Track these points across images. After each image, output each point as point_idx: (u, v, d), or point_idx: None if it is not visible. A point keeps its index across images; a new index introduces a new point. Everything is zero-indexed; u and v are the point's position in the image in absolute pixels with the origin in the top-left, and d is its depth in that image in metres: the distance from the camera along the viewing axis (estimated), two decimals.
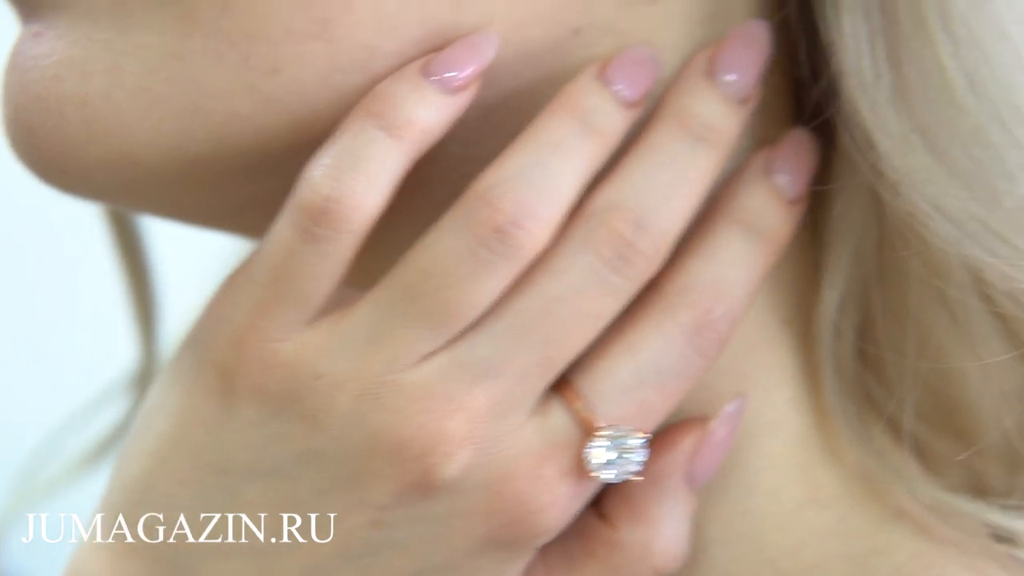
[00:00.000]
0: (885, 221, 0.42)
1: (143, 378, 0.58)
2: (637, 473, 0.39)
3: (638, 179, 0.39)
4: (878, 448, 0.43)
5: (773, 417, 0.43)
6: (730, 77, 0.40)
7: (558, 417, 0.38)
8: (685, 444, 0.41)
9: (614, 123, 0.39)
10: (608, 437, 0.39)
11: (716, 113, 0.40)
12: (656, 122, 0.40)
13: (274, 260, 0.38)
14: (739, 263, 0.40)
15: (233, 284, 0.39)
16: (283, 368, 0.38)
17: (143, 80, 0.38)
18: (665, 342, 0.39)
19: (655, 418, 0.39)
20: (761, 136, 0.43)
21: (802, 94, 0.43)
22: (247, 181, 0.40)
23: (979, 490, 0.44)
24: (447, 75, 0.38)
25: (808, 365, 0.44)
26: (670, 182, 0.39)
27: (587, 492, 0.39)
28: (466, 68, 0.38)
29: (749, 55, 0.40)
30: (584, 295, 0.38)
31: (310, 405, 0.37)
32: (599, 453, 0.38)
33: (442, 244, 0.38)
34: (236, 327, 0.38)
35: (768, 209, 0.41)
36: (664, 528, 0.40)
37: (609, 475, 0.39)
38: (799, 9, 0.42)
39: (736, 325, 0.40)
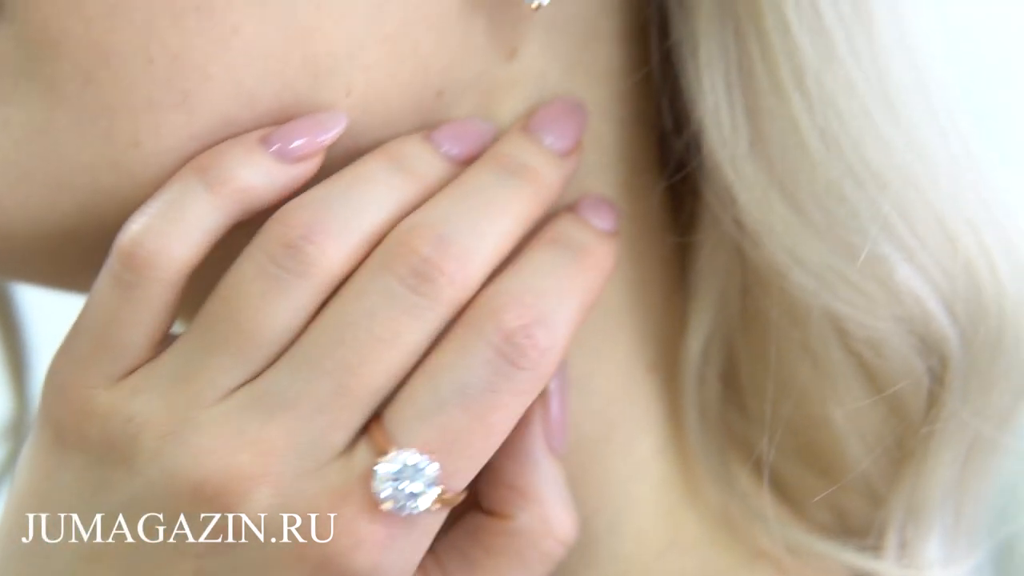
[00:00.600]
0: (748, 271, 0.43)
1: (14, 428, 0.57)
2: (440, 501, 0.37)
3: (444, 204, 0.38)
4: (741, 491, 0.44)
5: (639, 462, 0.44)
6: (547, 140, 0.40)
7: (361, 452, 0.37)
8: (535, 416, 0.41)
9: (431, 168, 0.39)
10: (390, 468, 0.36)
11: (532, 159, 0.40)
12: (473, 164, 0.40)
13: (93, 310, 0.38)
14: (550, 272, 0.39)
15: (67, 336, 0.39)
16: (100, 415, 0.37)
17: (10, 154, 0.38)
18: (470, 358, 0.37)
19: (471, 441, 0.37)
20: (625, 185, 0.43)
21: (668, 146, 0.44)
22: None
23: (844, 529, 0.45)
24: (289, 146, 0.38)
25: (673, 411, 0.44)
26: (477, 206, 0.38)
27: (410, 528, 0.37)
28: (306, 141, 0.38)
29: (566, 123, 0.41)
30: (379, 318, 0.37)
31: (124, 450, 0.37)
32: (384, 486, 0.36)
33: (239, 268, 0.37)
34: (63, 378, 0.38)
35: (580, 231, 0.41)
36: (553, 500, 0.40)
37: (400, 508, 0.36)
38: (661, 64, 0.42)
39: (560, 337, 0.38)
